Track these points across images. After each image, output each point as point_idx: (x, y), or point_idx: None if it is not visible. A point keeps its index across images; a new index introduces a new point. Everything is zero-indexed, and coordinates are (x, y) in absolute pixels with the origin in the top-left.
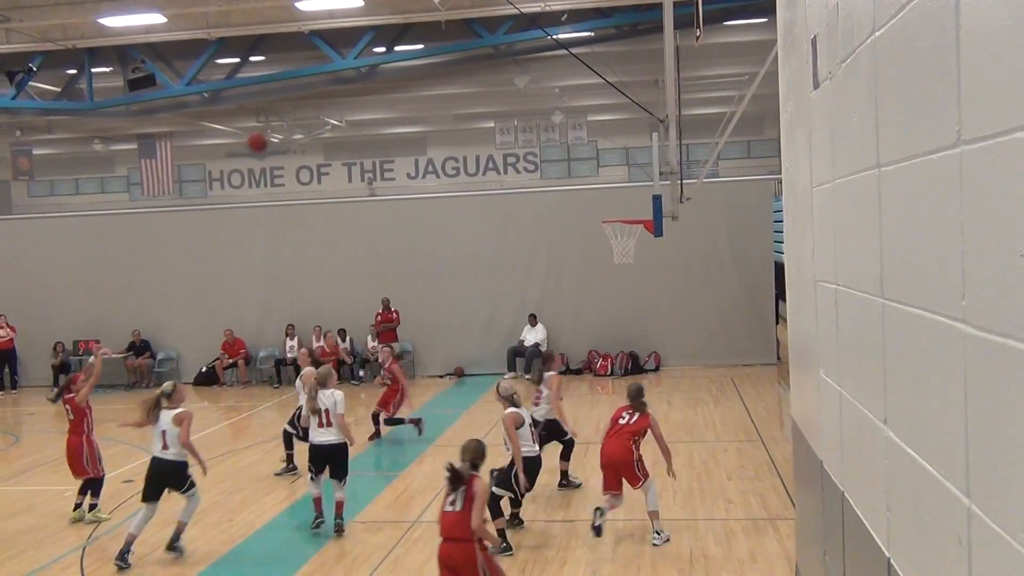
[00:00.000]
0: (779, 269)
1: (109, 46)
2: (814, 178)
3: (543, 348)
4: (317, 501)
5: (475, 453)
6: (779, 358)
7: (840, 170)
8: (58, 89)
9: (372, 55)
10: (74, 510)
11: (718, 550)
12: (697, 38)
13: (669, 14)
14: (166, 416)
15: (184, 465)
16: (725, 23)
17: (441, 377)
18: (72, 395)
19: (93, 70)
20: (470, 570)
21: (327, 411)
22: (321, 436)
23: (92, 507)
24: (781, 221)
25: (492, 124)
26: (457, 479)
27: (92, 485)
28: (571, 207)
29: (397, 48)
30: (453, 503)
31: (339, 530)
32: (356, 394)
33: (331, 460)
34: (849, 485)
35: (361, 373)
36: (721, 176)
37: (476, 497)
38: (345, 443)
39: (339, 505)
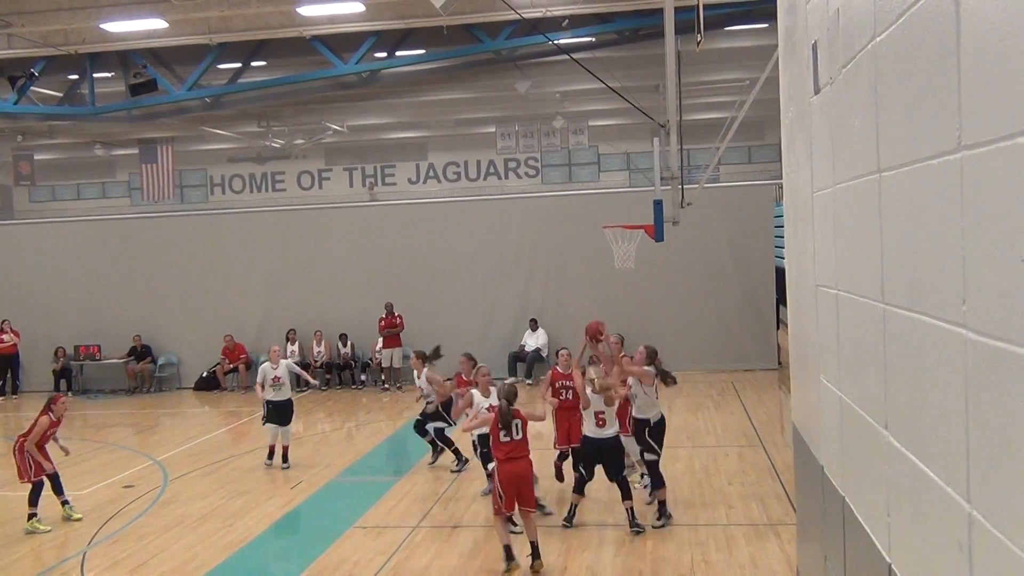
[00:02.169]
0: (780, 274)
1: (111, 51)
2: (815, 183)
3: (544, 353)
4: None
5: (510, 393)
6: (780, 363)
7: (841, 175)
8: (60, 94)
9: (373, 60)
10: (63, 507)
11: (719, 556)
12: (698, 43)
13: (670, 19)
14: None
15: None
16: (726, 28)
17: (442, 382)
18: (44, 412)
19: (95, 75)
20: (529, 481)
21: (276, 377)
22: (279, 395)
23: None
24: (782, 226)
25: (493, 129)
26: (508, 418)
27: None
28: (572, 212)
29: (398, 53)
30: (509, 434)
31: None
32: (357, 399)
33: (286, 412)
34: (850, 490)
35: (363, 377)
36: (722, 181)
37: (526, 420)
38: (290, 399)
39: (285, 450)
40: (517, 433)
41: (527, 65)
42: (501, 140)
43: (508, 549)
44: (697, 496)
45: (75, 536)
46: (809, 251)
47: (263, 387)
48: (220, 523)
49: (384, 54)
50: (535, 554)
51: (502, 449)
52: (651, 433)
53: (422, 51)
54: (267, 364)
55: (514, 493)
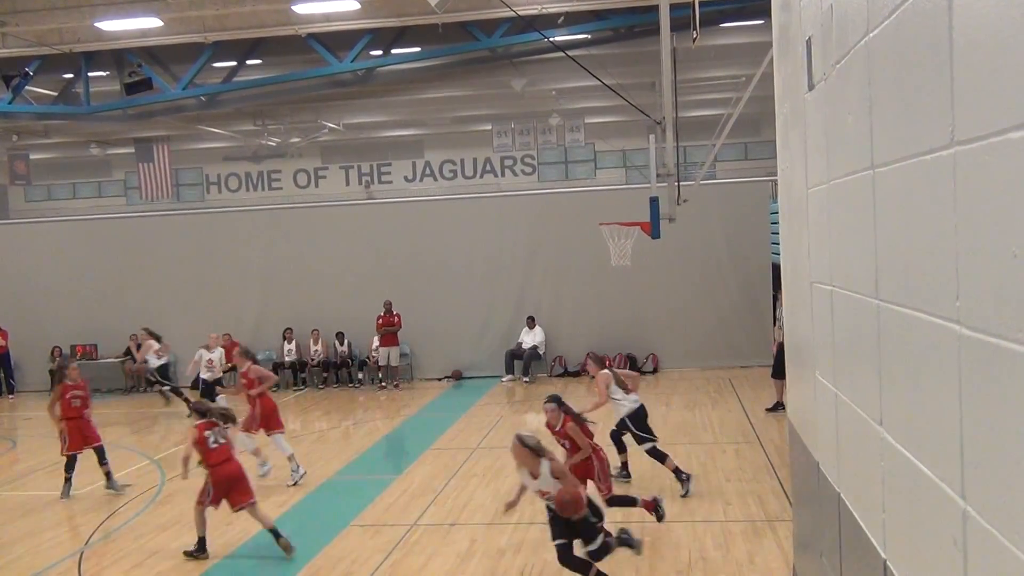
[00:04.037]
0: (777, 270)
1: (106, 50)
2: (809, 180)
3: (541, 351)
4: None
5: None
6: None
7: (835, 171)
8: (55, 93)
9: (369, 58)
10: None
11: (716, 552)
12: (694, 40)
13: (666, 16)
14: None
15: None
16: (721, 25)
17: (439, 380)
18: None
19: (90, 74)
20: (240, 478)
21: (210, 360)
22: (212, 375)
23: None
24: (778, 223)
25: (489, 127)
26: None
27: None
28: (568, 209)
29: (394, 51)
30: (217, 441)
31: None
32: (354, 397)
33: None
34: (845, 487)
35: (360, 376)
36: (718, 178)
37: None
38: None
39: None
40: (222, 438)
41: (523, 62)
42: (497, 138)
43: (202, 541)
44: (695, 493)
45: (73, 535)
46: (804, 248)
47: (198, 366)
48: (217, 522)
49: (380, 52)
50: (276, 535)
51: (213, 455)
52: (635, 425)
53: (418, 49)
54: (204, 349)
55: (226, 493)
